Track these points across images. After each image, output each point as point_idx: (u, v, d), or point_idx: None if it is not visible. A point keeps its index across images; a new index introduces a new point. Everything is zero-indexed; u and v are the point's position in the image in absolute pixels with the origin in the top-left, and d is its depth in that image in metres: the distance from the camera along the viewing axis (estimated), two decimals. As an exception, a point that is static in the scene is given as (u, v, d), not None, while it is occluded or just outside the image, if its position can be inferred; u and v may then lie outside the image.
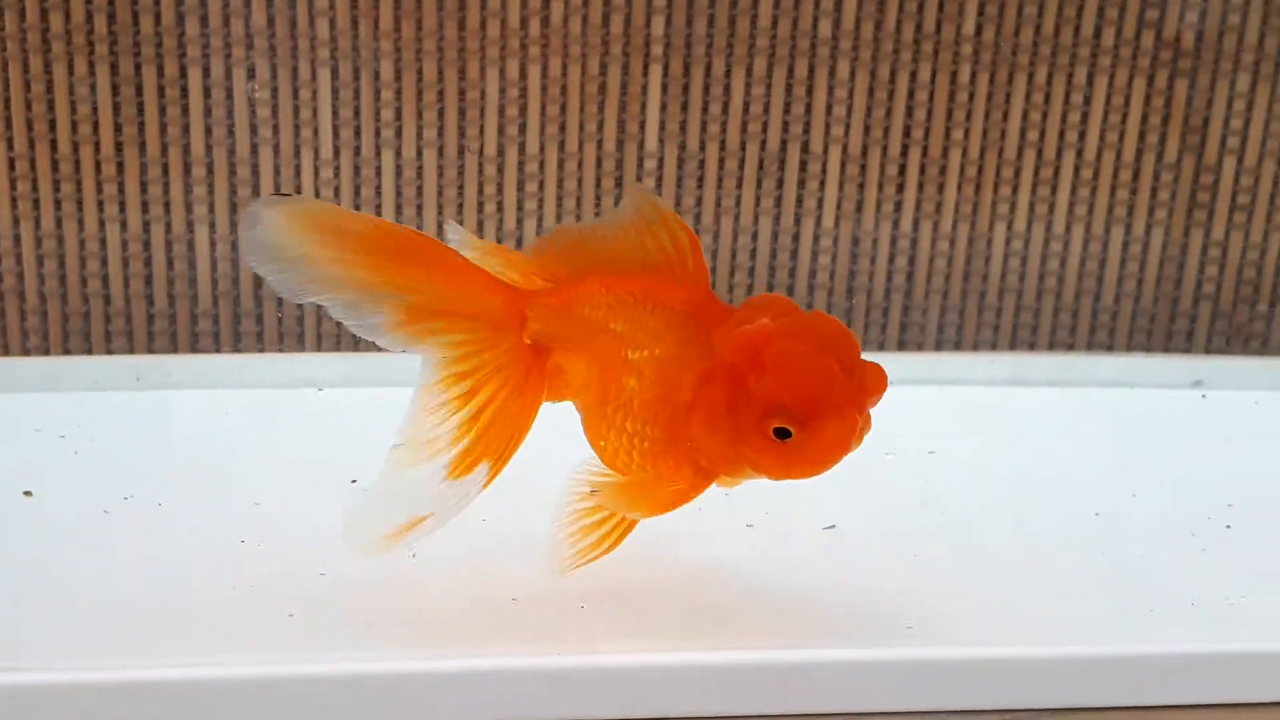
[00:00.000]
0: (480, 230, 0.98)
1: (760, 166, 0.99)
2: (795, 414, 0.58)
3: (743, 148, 0.99)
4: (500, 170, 0.97)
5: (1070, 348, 1.03)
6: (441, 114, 0.95)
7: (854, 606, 0.67)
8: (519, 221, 0.98)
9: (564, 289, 0.63)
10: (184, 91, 0.93)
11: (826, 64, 0.97)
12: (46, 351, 0.96)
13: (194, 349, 0.97)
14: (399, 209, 0.97)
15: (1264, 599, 0.68)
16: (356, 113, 0.95)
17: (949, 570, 0.70)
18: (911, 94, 0.98)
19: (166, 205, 0.95)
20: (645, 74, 0.97)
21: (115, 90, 0.92)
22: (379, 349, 0.98)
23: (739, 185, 0.99)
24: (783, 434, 0.59)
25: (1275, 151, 0.99)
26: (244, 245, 0.59)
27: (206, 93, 0.93)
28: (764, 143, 0.99)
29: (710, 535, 0.72)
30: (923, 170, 1.00)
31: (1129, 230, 1.01)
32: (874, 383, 0.60)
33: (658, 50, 0.96)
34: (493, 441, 0.62)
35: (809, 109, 0.98)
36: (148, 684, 0.59)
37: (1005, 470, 0.81)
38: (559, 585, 0.66)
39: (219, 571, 0.68)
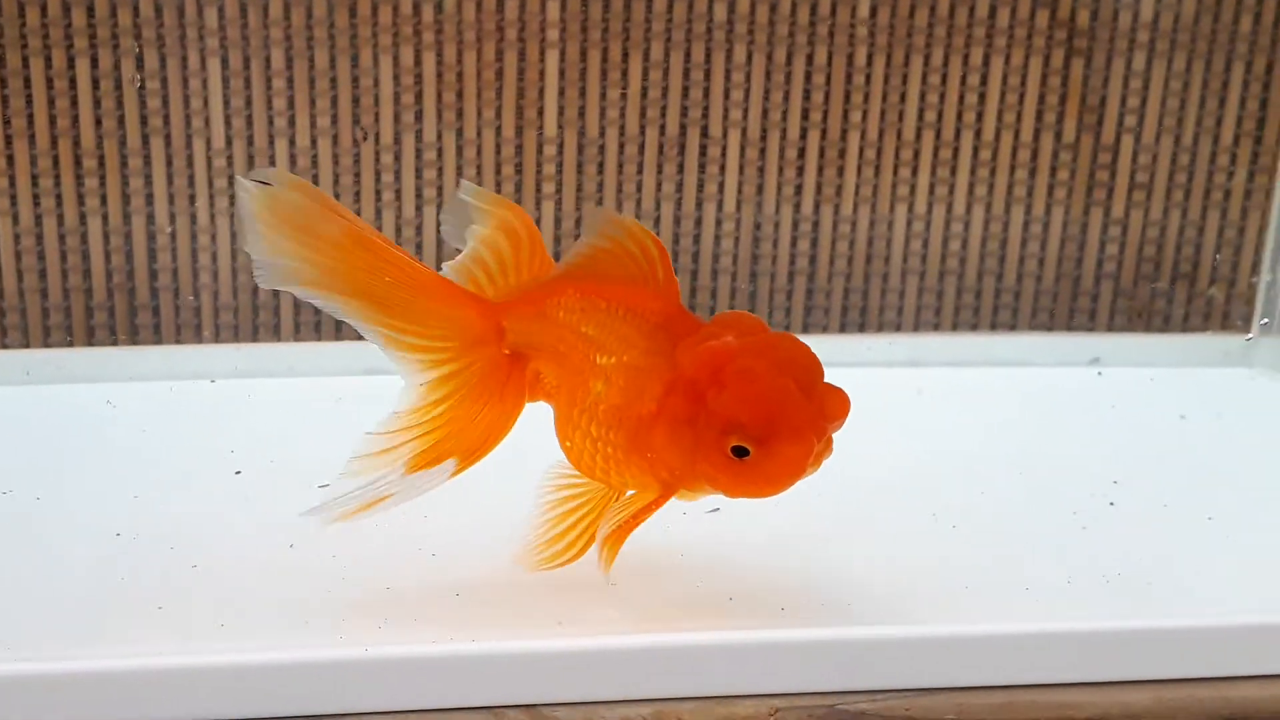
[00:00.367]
0: (378, 219, 0.97)
1: (660, 151, 0.99)
2: (752, 433, 0.59)
3: (642, 132, 0.98)
4: (397, 158, 0.97)
5: (974, 328, 1.03)
6: (335, 102, 0.95)
7: (732, 589, 0.67)
8: (418, 209, 0.98)
9: (539, 295, 0.64)
10: (72, 83, 0.92)
11: (723, 48, 0.97)
12: (-62, 347, 0.95)
13: (90, 342, 0.96)
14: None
15: (1139, 577, 0.69)
16: (248, 102, 0.94)
17: (832, 551, 0.70)
18: (809, 77, 0.98)
19: (58, 198, 0.94)
20: (542, 59, 0.96)
21: (4, 84, 0.91)
22: (276, 339, 0.98)
23: (639, 170, 0.99)
24: (740, 452, 0.59)
25: (1173, 129, 1.00)
26: (236, 219, 0.61)
27: (95, 84, 0.92)
28: (663, 127, 0.98)
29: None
30: (822, 153, 1.00)
31: (1029, 210, 1.01)
32: (835, 407, 0.60)
33: (554, 35, 0.96)
34: (463, 444, 0.63)
35: (707, 93, 0.98)
36: (11, 678, 0.58)
37: (896, 452, 0.81)
38: (434, 579, 0.66)
39: (91, 565, 0.68)
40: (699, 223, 1.01)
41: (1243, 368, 0.94)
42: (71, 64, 0.92)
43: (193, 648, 0.62)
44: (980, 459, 0.80)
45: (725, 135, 0.99)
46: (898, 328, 1.03)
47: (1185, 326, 1.02)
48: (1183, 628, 0.63)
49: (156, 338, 0.97)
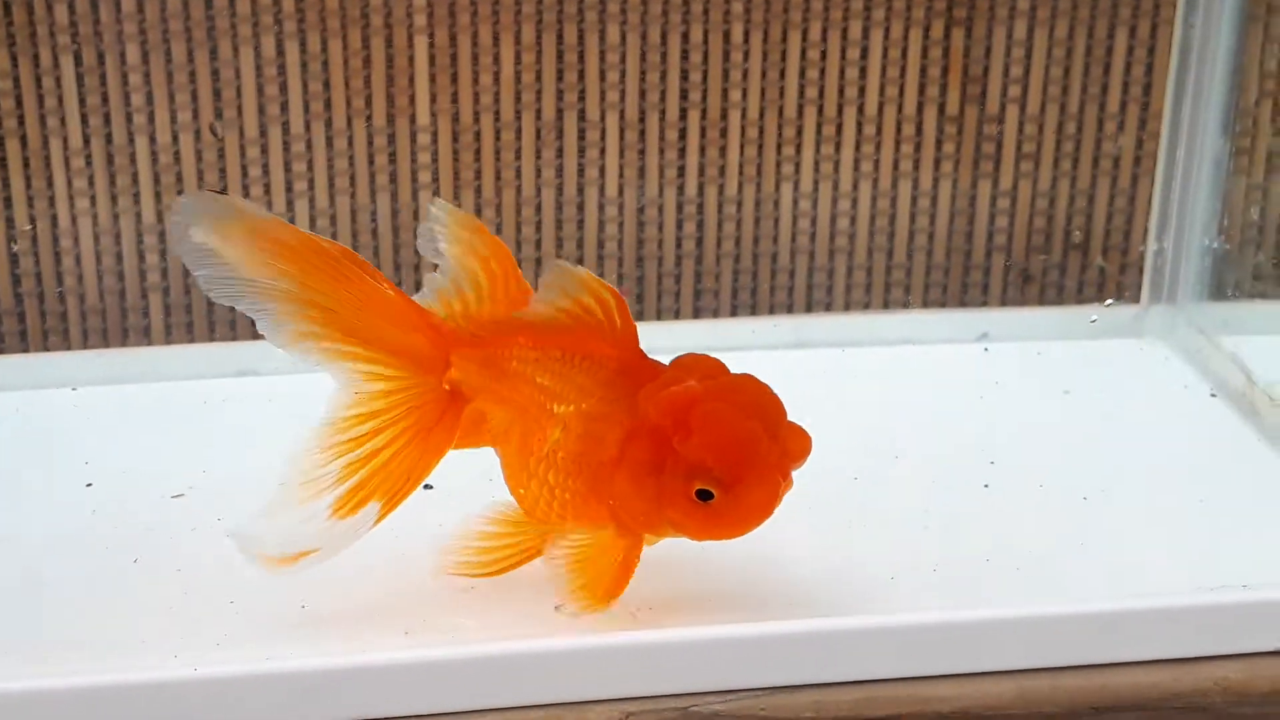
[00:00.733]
0: (247, 215, 0.94)
1: (538, 136, 0.96)
2: (719, 477, 0.58)
3: (518, 118, 0.96)
4: (264, 151, 0.94)
5: (866, 307, 1.01)
6: (195, 96, 0.92)
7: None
8: (289, 203, 0.95)
9: (491, 340, 0.63)
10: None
11: (596, 29, 0.94)
12: None
13: (-49, 352, 0.93)
14: (158, 196, 0.93)
15: (1008, 563, 0.67)
16: (105, 99, 0.91)
17: (691, 545, 0.68)
18: (685, 56, 0.96)
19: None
20: (411, 45, 0.93)
21: None
22: (142, 344, 0.95)
23: (518, 157, 0.97)
24: (705, 496, 0.59)
25: (1058, 98, 0.98)
26: (171, 237, 0.60)
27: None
28: (539, 112, 0.96)
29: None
30: (703, 133, 0.97)
31: (916, 185, 0.99)
32: (797, 447, 0.60)
33: (421, 20, 0.93)
34: (385, 482, 0.62)
35: (582, 75, 0.95)
36: None
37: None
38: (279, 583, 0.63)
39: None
40: (581, 208, 0.98)
41: (1133, 338, 0.92)
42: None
43: (28, 671, 0.59)
44: (854, 444, 0.78)
45: (603, 118, 0.96)
46: (789, 309, 1.01)
47: (1079, 298, 1.01)
48: (1047, 615, 0.61)
49: (24, 345, 0.95)
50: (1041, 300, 1.01)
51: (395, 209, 0.96)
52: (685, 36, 0.95)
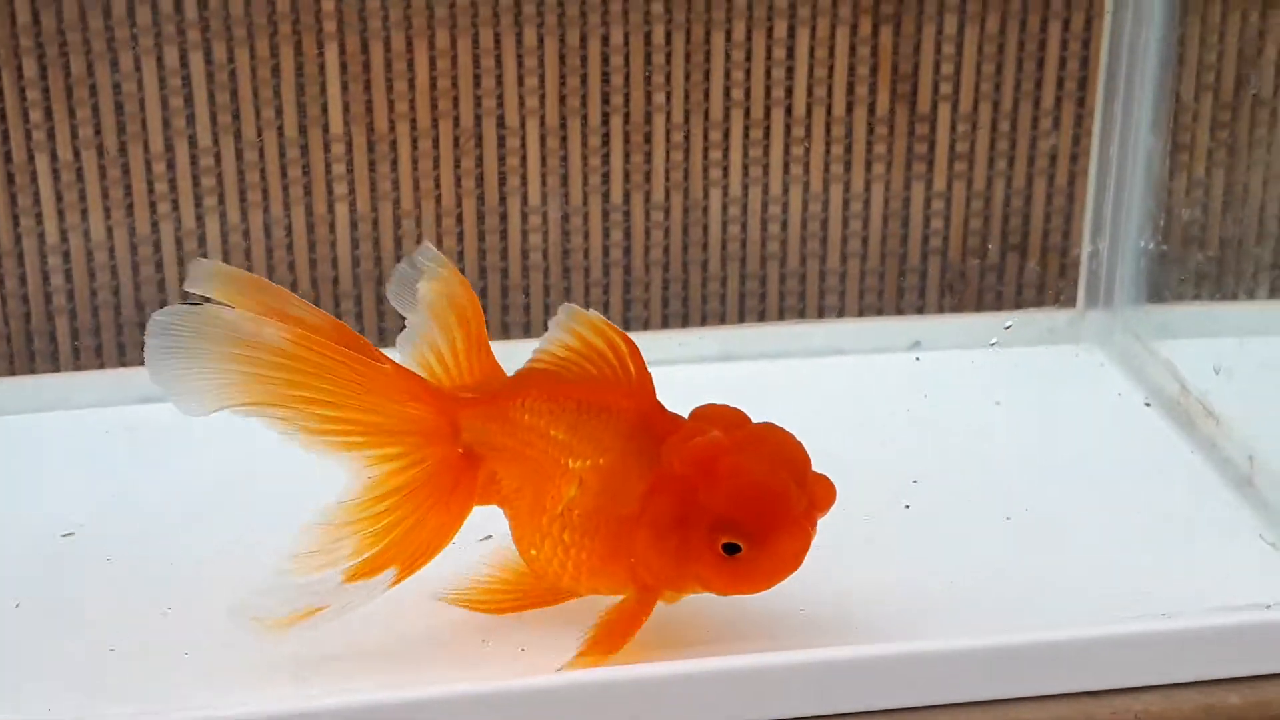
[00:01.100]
0: (155, 231, 0.91)
1: (456, 145, 0.93)
2: (750, 531, 0.57)
3: (434, 125, 0.93)
4: (170, 165, 0.91)
5: (801, 314, 0.98)
6: (96, 111, 0.89)
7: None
8: (199, 218, 0.92)
9: (501, 394, 0.61)
10: None
11: (512, 31, 0.91)
12: None
13: None
14: (61, 214, 0.90)
15: (917, 595, 0.64)
16: (2, 115, 0.88)
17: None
18: (606, 59, 0.93)
19: None
20: (321, 53, 0.90)
21: None
22: (56, 369, 0.92)
23: (435, 166, 0.94)
24: (732, 549, 0.57)
25: (990, 95, 0.95)
26: (148, 359, 0.57)
27: None
28: (457, 119, 0.93)
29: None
30: (627, 139, 0.94)
31: (847, 188, 0.97)
32: (823, 497, 0.59)
33: (330, 27, 0.90)
34: (403, 553, 0.60)
35: (499, 81, 0.92)
36: None
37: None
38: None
39: None
40: (504, 217, 0.95)
41: (1069, 344, 0.89)
42: None
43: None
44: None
45: (523, 125, 0.94)
46: (722, 318, 0.98)
47: (1019, 301, 0.98)
48: (947, 650, 0.59)
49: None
50: (979, 305, 0.98)
51: (310, 222, 0.93)
52: (605, 39, 0.92)
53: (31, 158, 0.89)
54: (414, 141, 0.93)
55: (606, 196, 0.95)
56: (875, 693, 0.58)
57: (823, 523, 0.69)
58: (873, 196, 0.97)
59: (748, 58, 0.93)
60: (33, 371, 0.91)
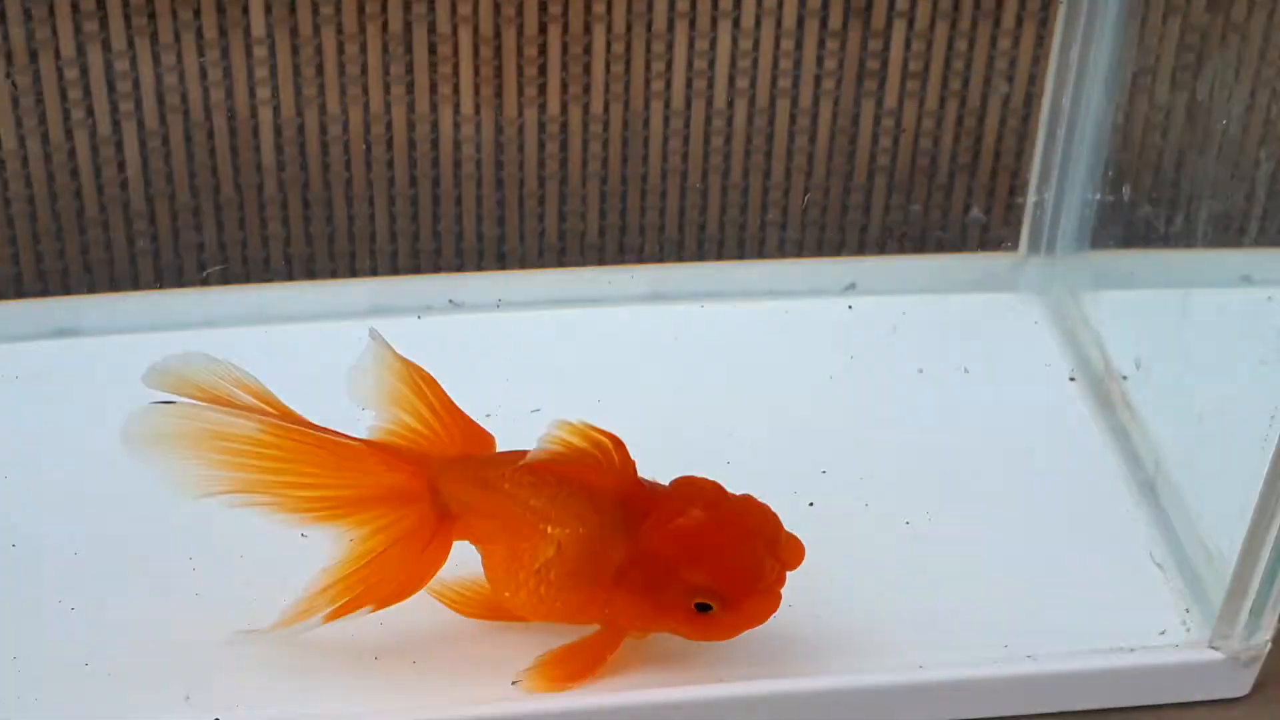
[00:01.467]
0: (69, 139, 0.88)
1: (385, 50, 0.89)
2: (724, 596, 0.61)
3: (362, 31, 0.88)
4: (84, 72, 0.87)
5: (742, 229, 0.95)
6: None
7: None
8: (115, 124, 0.89)
9: (483, 462, 0.64)
10: None
11: (443, -64, 0.86)
12: None
13: None
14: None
15: (793, 623, 0.64)
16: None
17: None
18: (543, -35, 0.88)
19: None
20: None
21: None
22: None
23: (363, 72, 0.90)
24: (704, 608, 0.61)
25: (949, 13, 0.90)
26: (129, 448, 0.61)
27: None
28: (385, 23, 0.88)
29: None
30: (565, 49, 0.90)
31: (795, 103, 0.93)
32: (794, 558, 0.62)
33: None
34: (378, 595, 0.64)
35: (430, -14, 0.87)
36: None
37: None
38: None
39: None
40: (435, 126, 0.92)
41: (1009, 292, 0.87)
42: None
43: None
44: (686, 441, 0.73)
45: (455, 33, 0.89)
46: (661, 231, 0.95)
47: (963, 242, 0.94)
48: (818, 690, 0.59)
49: None
50: (923, 244, 0.94)
51: (233, 126, 0.90)
52: (542, -54, 0.87)
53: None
54: (340, 46, 0.89)
55: (543, 108, 0.92)
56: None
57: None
58: (820, 112, 0.93)
59: (694, -32, 0.88)
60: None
